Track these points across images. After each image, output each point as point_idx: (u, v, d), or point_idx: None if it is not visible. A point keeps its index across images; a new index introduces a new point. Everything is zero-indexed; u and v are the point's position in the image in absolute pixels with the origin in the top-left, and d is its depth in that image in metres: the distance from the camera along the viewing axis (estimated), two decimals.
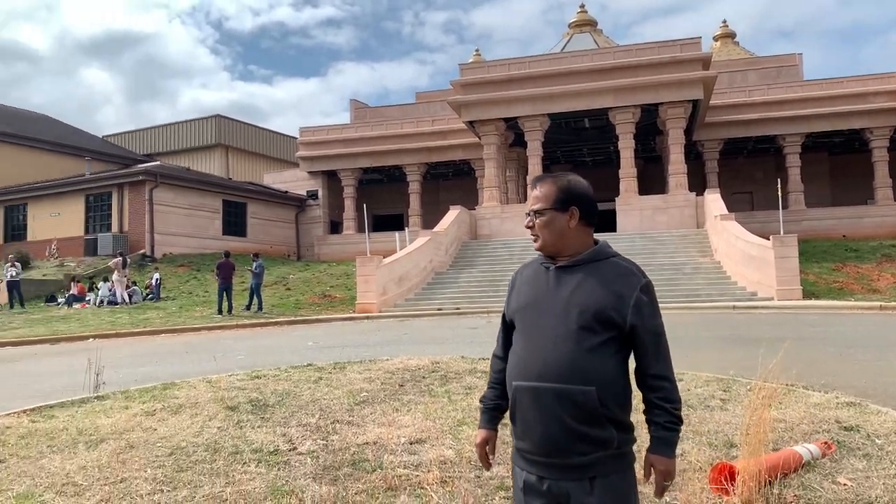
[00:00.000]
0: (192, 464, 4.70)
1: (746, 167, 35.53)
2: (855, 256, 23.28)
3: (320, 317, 19.04)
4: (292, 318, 18.70)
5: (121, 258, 23.83)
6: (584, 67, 28.47)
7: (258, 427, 5.58)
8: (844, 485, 3.99)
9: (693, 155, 32.44)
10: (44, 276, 26.93)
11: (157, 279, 23.91)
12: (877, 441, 4.77)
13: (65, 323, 19.33)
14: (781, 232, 19.58)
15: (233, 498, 4.04)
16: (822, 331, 12.30)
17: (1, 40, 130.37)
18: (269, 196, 37.06)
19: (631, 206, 27.84)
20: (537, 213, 2.23)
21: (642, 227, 26.92)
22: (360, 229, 31.60)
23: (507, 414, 2.25)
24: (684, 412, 5.48)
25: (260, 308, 20.16)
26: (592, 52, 30.54)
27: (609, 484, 2.07)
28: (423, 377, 7.37)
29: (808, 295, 18.19)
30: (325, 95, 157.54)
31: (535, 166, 28.66)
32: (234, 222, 34.49)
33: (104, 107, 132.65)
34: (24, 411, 6.56)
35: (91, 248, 29.65)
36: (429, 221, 31.81)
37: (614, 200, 28.17)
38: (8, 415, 6.45)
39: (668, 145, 28.53)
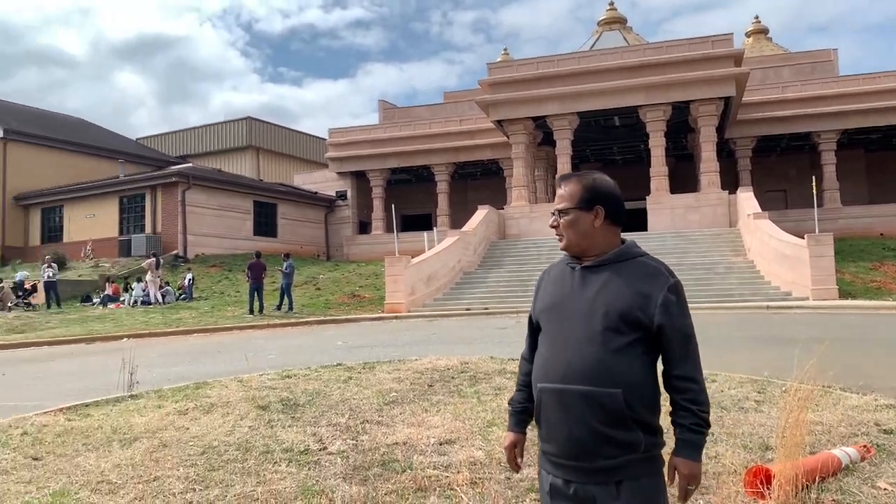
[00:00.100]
0: (224, 463, 4.74)
1: (780, 165, 34.96)
2: (893, 255, 22.79)
3: (349, 316, 19.13)
4: (322, 318, 18.81)
5: (154, 259, 24.17)
6: (613, 65, 28.26)
7: (289, 426, 5.61)
8: (885, 489, 3.89)
9: (725, 153, 32.01)
10: (79, 276, 27.42)
11: (189, 279, 24.22)
12: None
13: (100, 323, 19.67)
14: (816, 230, 19.23)
15: (264, 497, 4.06)
16: (860, 332, 12.06)
17: (38, 46, 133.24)
18: (299, 197, 37.37)
19: (662, 205, 27.57)
20: (562, 212, 2.21)
21: (674, 226, 26.64)
22: (389, 229, 31.68)
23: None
24: (718, 414, 5.45)
25: (290, 308, 20.32)
26: (622, 49, 30.28)
27: (636, 488, 2.04)
28: (453, 377, 7.36)
29: (844, 295, 17.83)
30: (354, 97, 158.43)
31: (564, 165, 28.52)
32: (265, 223, 34.84)
33: (138, 110, 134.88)
34: (61, 409, 6.67)
35: (125, 249, 30.15)
36: (457, 221, 31.82)
37: (645, 199, 27.92)
38: (45, 413, 6.57)
39: (700, 143, 28.19)
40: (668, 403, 2.14)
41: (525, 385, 2.33)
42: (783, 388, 6.04)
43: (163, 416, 6.17)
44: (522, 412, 2.34)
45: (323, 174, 39.90)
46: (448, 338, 13.11)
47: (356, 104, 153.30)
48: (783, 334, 11.68)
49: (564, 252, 2.25)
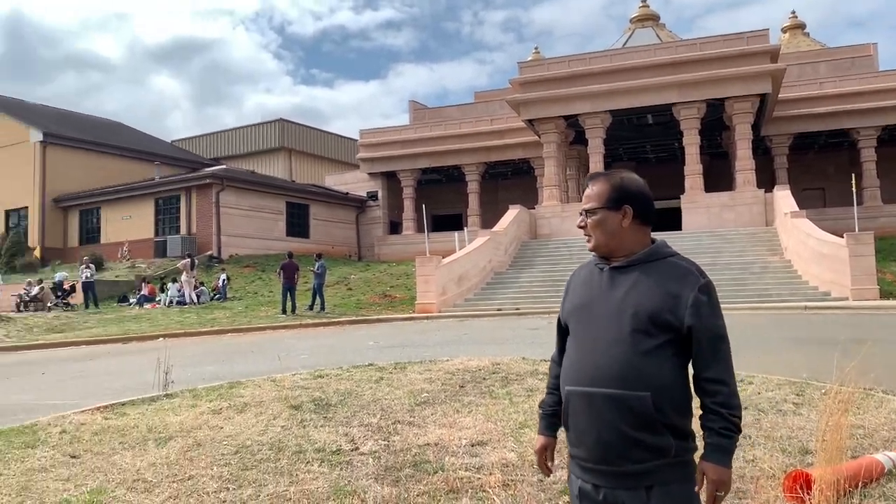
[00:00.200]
0: (257, 462, 4.77)
1: (818, 162, 34.28)
2: None
3: (381, 316, 19.19)
4: (353, 318, 18.90)
5: (189, 259, 24.49)
6: (646, 62, 27.97)
7: (321, 426, 5.63)
8: None
9: (761, 150, 31.49)
10: (116, 277, 27.92)
11: (223, 280, 24.50)
12: None
13: (136, 322, 20.00)
14: (856, 229, 18.80)
15: (296, 497, 4.08)
16: None
17: (76, 50, 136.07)
18: (331, 198, 37.63)
19: (697, 204, 27.23)
20: (589, 212, 2.18)
21: (709, 224, 26.30)
22: (420, 229, 31.72)
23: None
24: (755, 416, 5.34)
25: (322, 308, 20.45)
26: (655, 46, 29.96)
27: (667, 493, 1.99)
28: (484, 378, 7.33)
29: (885, 295, 17.41)
30: (385, 97, 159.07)
31: (596, 164, 28.32)
32: (297, 224, 35.12)
33: (173, 112, 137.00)
34: (98, 408, 6.78)
35: (161, 250, 30.62)
36: (488, 221, 31.74)
37: (679, 198, 27.62)
38: (83, 411, 6.68)
39: (735, 141, 27.78)
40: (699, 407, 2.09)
41: (555, 388, 2.30)
42: (823, 391, 5.91)
43: (197, 415, 6.24)
44: (552, 415, 2.31)
45: (354, 175, 40.13)
46: (479, 338, 13.08)
47: (387, 105, 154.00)
48: (822, 335, 11.43)
49: (593, 253, 2.22)
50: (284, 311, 19.98)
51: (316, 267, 20.73)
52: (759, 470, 4.14)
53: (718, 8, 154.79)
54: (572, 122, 29.59)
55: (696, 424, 2.07)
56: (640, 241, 2.15)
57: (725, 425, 2.01)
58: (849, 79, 30.84)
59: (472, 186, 35.61)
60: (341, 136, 52.31)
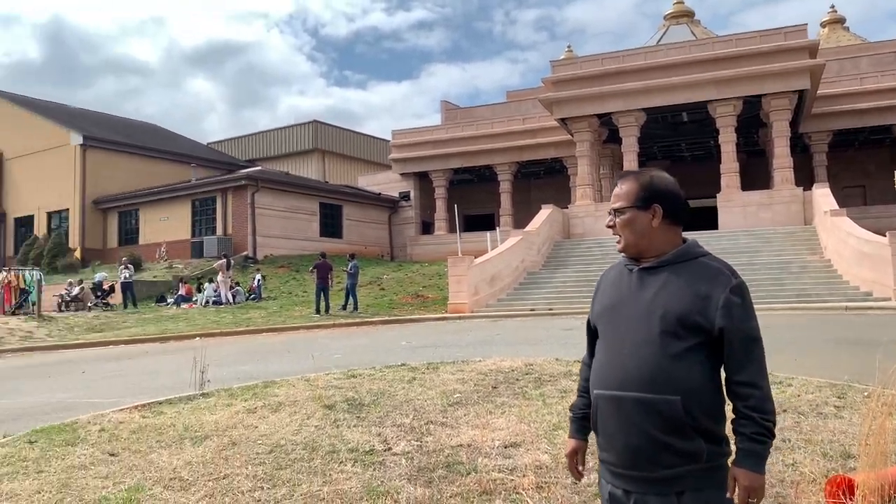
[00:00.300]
0: (291, 462, 4.80)
1: (858, 159, 33.54)
2: None
3: (413, 316, 19.22)
4: (386, 318, 18.96)
5: (225, 260, 24.81)
6: (681, 59, 27.63)
7: (354, 426, 5.65)
8: None
9: (799, 148, 30.93)
10: (154, 277, 28.39)
11: (258, 280, 24.78)
12: None
13: (173, 322, 20.31)
14: None
15: (329, 497, 4.10)
16: None
17: (115, 55, 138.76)
18: (363, 198, 37.84)
19: (733, 203, 26.83)
20: (618, 211, 2.15)
21: (745, 224, 25.89)
22: (452, 229, 31.76)
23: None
24: (795, 419, 5.23)
25: (355, 308, 20.55)
26: (690, 43, 29.59)
27: (699, 499, 1.95)
28: (517, 379, 7.29)
29: None
30: (417, 98, 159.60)
31: (630, 162, 28.05)
32: (331, 224, 35.39)
33: (209, 115, 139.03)
34: (136, 407, 6.89)
35: (197, 251, 31.07)
36: (520, 221, 31.63)
37: (715, 197, 27.24)
38: (121, 410, 6.80)
39: (773, 138, 27.30)
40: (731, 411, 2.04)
41: (585, 390, 2.27)
42: (865, 393, 5.77)
43: (232, 414, 6.30)
44: (583, 418, 2.28)
45: (386, 175, 40.30)
46: (512, 339, 13.03)
47: (419, 105, 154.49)
48: (863, 336, 11.16)
49: (622, 254, 2.18)
50: (318, 311, 20.12)
51: (349, 267, 20.84)
52: (799, 474, 4.04)
53: (755, 3, 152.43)
54: (606, 120, 29.36)
55: (729, 429, 2.03)
56: (670, 241, 2.11)
57: (758, 430, 1.95)
58: (891, 74, 30.11)
59: (505, 186, 35.54)
60: (373, 137, 52.62)
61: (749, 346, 1.98)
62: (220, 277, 24.33)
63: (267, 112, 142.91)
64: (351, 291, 20.72)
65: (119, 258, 27.71)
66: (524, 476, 4.26)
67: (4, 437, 6.02)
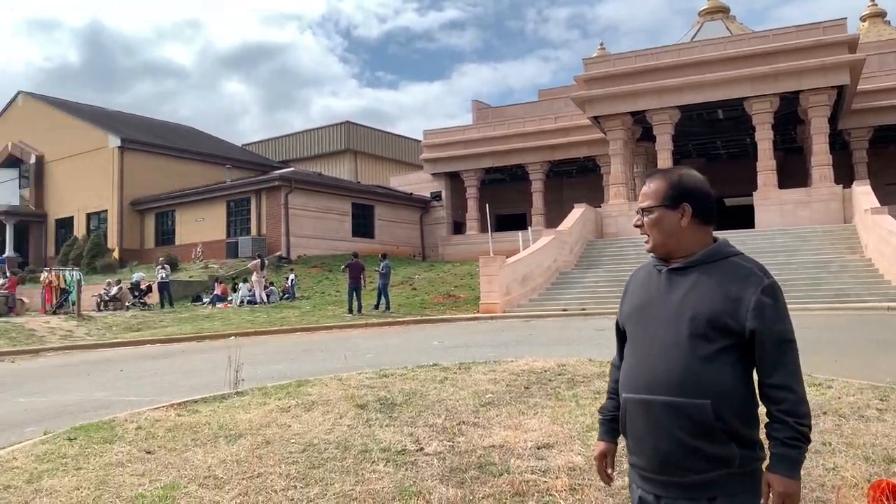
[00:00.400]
0: (324, 461, 4.82)
1: None
2: None
3: (445, 316, 19.23)
4: (418, 318, 19.00)
5: (259, 260, 25.08)
6: (716, 56, 27.23)
7: (386, 426, 5.66)
8: None
9: (838, 145, 30.28)
10: (190, 277, 28.80)
11: (292, 280, 25.01)
12: None
13: (209, 321, 20.57)
14: None
15: (362, 496, 4.10)
16: None
17: (152, 58, 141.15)
18: (395, 198, 37.97)
19: (770, 201, 26.36)
20: (646, 210, 2.10)
21: (783, 222, 25.43)
22: (483, 229, 31.66)
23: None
24: (835, 422, 5.11)
25: (387, 307, 20.62)
26: (725, 39, 29.13)
27: None
28: (550, 380, 7.24)
29: None
30: (449, 98, 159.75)
31: (664, 161, 27.71)
32: (363, 224, 35.58)
33: (243, 117, 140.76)
34: (172, 405, 6.98)
35: (232, 251, 31.46)
36: (552, 220, 31.45)
37: (752, 195, 26.80)
38: (157, 408, 6.90)
39: (811, 135, 26.77)
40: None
41: (614, 392, 2.24)
42: None
43: (266, 413, 6.35)
44: (612, 421, 2.24)
45: (418, 175, 40.38)
46: (544, 339, 12.95)
47: (451, 105, 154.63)
48: None
49: (650, 253, 2.13)
50: (351, 311, 20.23)
51: (381, 267, 20.92)
52: (840, 479, 3.95)
53: None
54: (639, 118, 29.06)
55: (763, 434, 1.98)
56: (700, 241, 2.06)
57: (792, 435, 1.90)
58: None
59: (537, 185, 35.38)
60: (405, 137, 52.78)
61: (782, 349, 1.93)
62: (254, 277, 24.60)
63: (300, 113, 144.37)
64: (383, 291, 20.80)
65: (156, 258, 28.18)
66: (557, 478, 4.22)
67: (45, 434, 6.15)
